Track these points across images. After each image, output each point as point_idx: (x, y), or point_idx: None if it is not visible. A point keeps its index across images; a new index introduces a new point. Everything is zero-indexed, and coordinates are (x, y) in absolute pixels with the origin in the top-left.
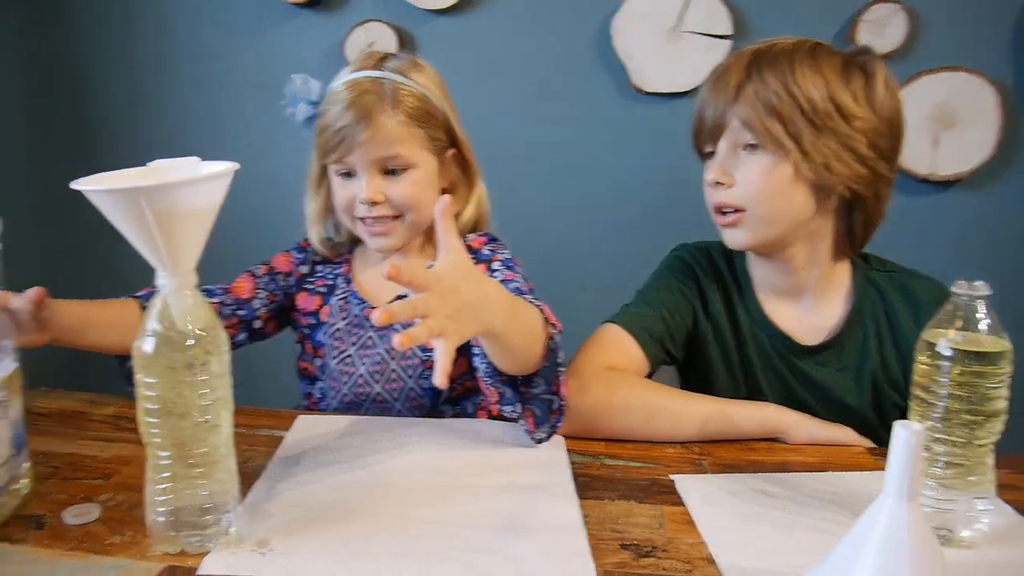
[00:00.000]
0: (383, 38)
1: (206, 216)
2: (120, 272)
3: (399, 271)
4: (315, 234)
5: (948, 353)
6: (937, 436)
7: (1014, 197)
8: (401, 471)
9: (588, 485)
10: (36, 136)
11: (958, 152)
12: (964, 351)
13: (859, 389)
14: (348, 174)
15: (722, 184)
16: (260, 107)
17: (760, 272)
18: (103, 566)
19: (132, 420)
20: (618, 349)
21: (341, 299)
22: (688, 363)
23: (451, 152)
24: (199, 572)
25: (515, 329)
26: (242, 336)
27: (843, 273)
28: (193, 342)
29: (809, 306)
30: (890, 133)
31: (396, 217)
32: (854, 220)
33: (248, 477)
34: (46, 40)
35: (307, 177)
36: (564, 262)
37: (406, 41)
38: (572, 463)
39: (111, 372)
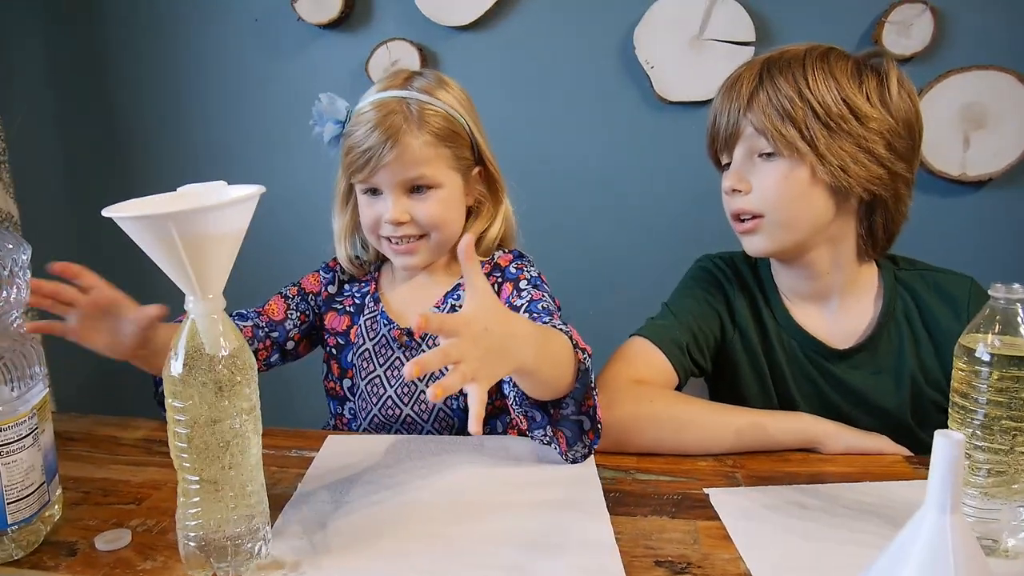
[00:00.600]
0: (406, 56)
1: (233, 240)
2: (152, 291)
3: (428, 320)
4: (342, 252)
5: (987, 358)
6: (978, 444)
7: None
8: (431, 490)
9: (620, 501)
10: (70, 157)
11: (989, 152)
12: (1003, 356)
13: (898, 391)
14: (374, 192)
15: (739, 191)
16: (287, 126)
17: (785, 278)
18: None
19: (163, 444)
20: (645, 362)
21: (370, 319)
22: (717, 373)
23: (477, 170)
24: None
25: (545, 361)
26: (275, 357)
27: (870, 275)
28: (222, 365)
29: (837, 309)
30: (907, 133)
31: (421, 236)
32: (875, 222)
33: (278, 499)
34: (78, 63)
35: (334, 195)
36: (591, 273)
37: (428, 58)
38: (603, 478)
39: (141, 396)
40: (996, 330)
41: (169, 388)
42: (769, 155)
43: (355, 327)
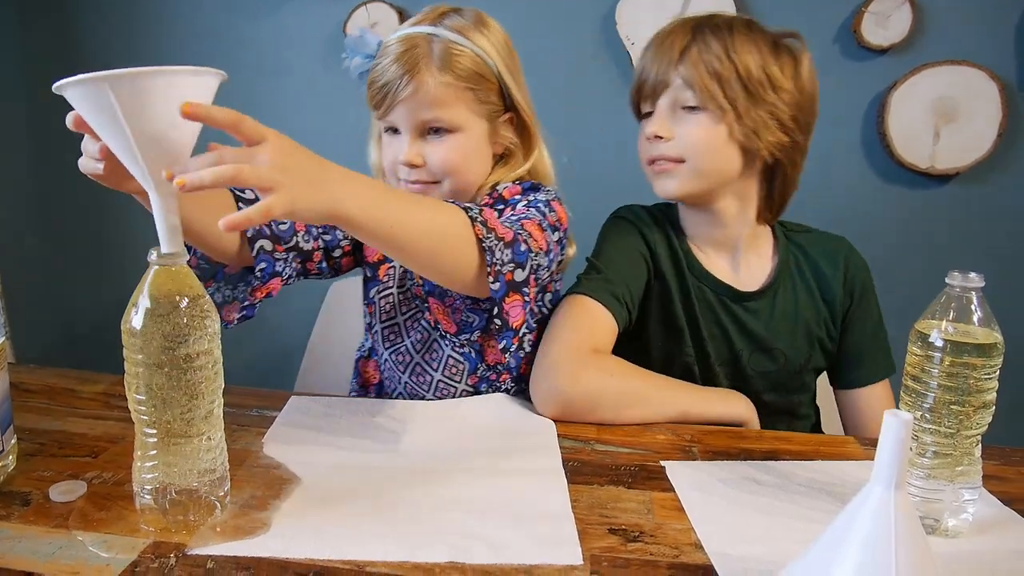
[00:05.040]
0: (385, 19)
1: (186, 124)
2: (120, 273)
3: (196, 107)
4: None
5: (940, 344)
6: (926, 426)
7: (1012, 192)
8: (392, 454)
9: (578, 470)
10: (35, 121)
11: (958, 146)
12: (956, 342)
13: (793, 334)
14: (394, 131)
15: (661, 138)
16: (263, 88)
17: (693, 225)
18: (88, 542)
19: (122, 398)
20: (591, 322)
21: (404, 270)
22: (645, 323)
23: (507, 116)
24: (188, 551)
25: (396, 222)
26: (323, 264)
27: (766, 234)
28: (181, 316)
29: (740, 259)
30: (809, 109)
31: (435, 182)
32: (774, 185)
33: (237, 457)
34: (45, 21)
35: (370, 131)
36: None
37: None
38: (562, 448)
39: (100, 350)
40: (950, 317)
41: (127, 339)
42: (692, 108)
43: (386, 264)
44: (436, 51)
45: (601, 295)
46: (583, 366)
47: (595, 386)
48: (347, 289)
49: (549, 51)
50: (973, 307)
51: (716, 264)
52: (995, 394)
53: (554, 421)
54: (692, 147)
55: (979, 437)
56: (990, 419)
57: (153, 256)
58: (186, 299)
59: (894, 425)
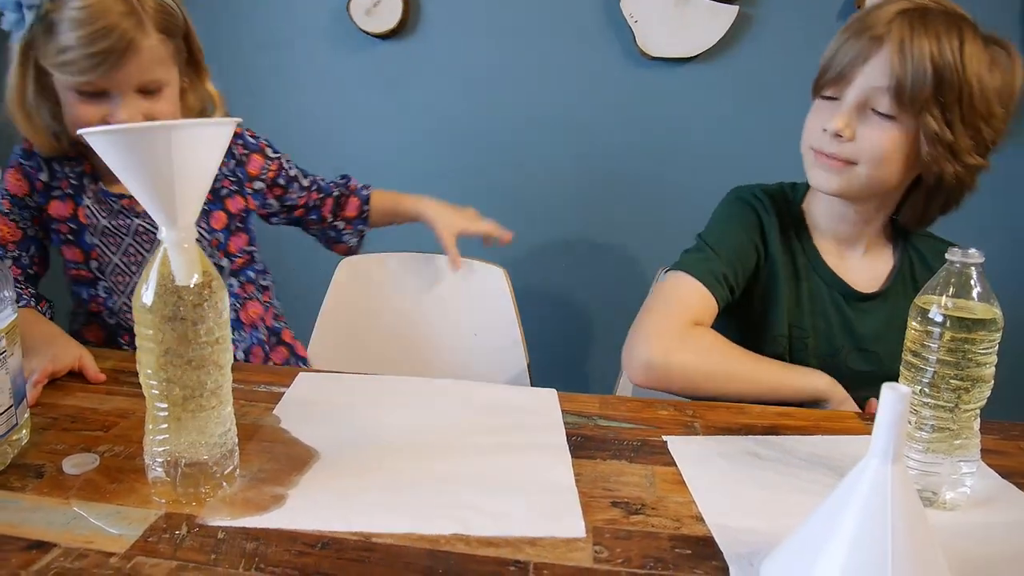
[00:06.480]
0: None
1: (215, 165)
2: None
3: None
4: (33, 129)
5: (939, 319)
6: (925, 400)
7: (1009, 176)
8: (398, 429)
9: (581, 445)
10: None
11: None
12: (955, 317)
13: (897, 341)
14: (98, 93)
15: (841, 137)
16: (264, 64)
17: (825, 219)
18: (101, 513)
19: (132, 374)
20: (688, 297)
21: (93, 198)
22: (742, 301)
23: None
24: (199, 522)
25: None
26: (46, 270)
27: (889, 231)
28: (191, 294)
29: (860, 256)
30: (1007, 131)
31: None
32: (934, 200)
33: (246, 431)
34: None
35: (11, 66)
36: (564, 227)
37: (411, 1)
38: (566, 423)
39: (103, 336)
40: (950, 292)
41: (138, 315)
42: (885, 115)
43: (80, 208)
44: (145, 10)
45: (702, 274)
46: (678, 339)
47: (691, 364)
48: (358, 265)
49: (553, 26)
50: (973, 282)
51: (835, 258)
52: (994, 369)
53: (644, 387)
54: (871, 155)
55: (978, 411)
56: (988, 393)
57: (164, 234)
58: (196, 277)
59: (892, 399)
